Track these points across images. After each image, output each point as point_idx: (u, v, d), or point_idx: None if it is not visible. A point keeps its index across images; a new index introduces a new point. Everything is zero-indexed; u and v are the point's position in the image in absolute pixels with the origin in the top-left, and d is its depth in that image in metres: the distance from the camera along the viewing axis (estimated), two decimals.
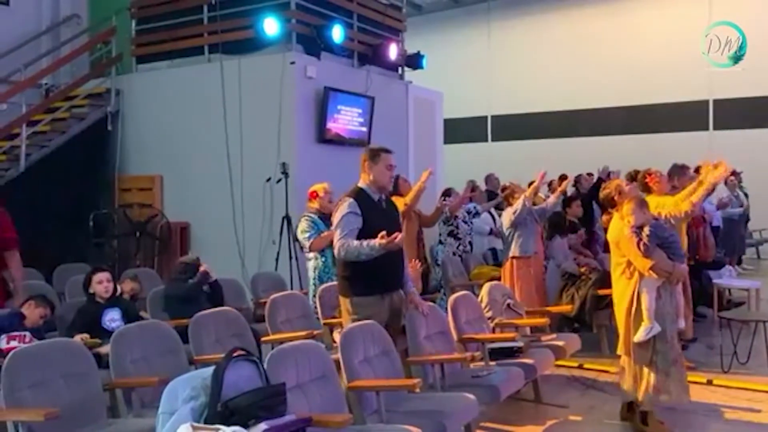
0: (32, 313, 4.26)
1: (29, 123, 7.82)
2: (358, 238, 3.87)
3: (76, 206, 7.85)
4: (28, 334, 4.13)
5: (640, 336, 4.11)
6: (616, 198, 4.41)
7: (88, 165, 8.22)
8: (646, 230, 4.07)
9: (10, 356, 3.23)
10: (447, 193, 7.62)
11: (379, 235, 3.74)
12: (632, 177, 6.22)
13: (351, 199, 3.96)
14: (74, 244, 7.61)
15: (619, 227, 4.20)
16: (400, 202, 6.20)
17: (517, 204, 6.07)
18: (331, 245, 5.54)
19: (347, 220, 3.90)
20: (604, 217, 4.64)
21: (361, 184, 4.07)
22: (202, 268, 5.40)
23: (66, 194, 7.74)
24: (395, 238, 3.74)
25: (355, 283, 3.98)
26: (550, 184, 10.95)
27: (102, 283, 4.67)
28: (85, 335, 4.29)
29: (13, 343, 3.96)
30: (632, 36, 13.32)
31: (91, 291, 4.68)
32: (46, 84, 8.80)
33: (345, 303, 4.05)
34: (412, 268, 4.35)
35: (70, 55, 8.62)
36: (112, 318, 4.60)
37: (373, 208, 4.00)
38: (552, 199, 6.58)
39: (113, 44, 8.61)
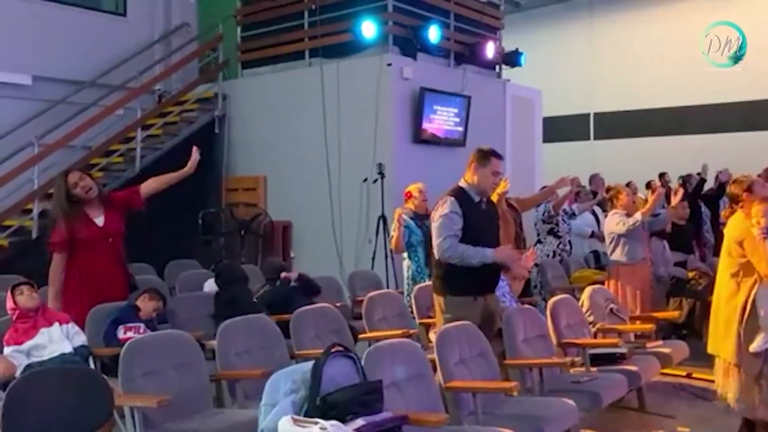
0: (146, 305, 4.49)
1: (143, 127, 8.28)
2: (460, 239, 3.84)
3: (186, 205, 8.23)
4: (142, 325, 4.33)
5: (757, 346, 3.84)
6: (744, 196, 4.17)
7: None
8: None
9: (126, 346, 3.44)
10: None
11: (498, 248, 3.83)
12: None
13: (452, 198, 3.91)
14: (184, 241, 8.01)
15: (744, 226, 3.95)
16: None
17: (632, 220, 5.81)
18: (422, 246, 5.58)
19: (449, 219, 3.85)
20: (725, 212, 4.39)
21: (462, 183, 4.00)
22: (283, 275, 5.59)
23: (177, 194, 8.08)
24: (520, 260, 3.87)
25: (451, 282, 3.96)
26: (648, 185, 10.49)
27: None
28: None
29: (129, 334, 4.17)
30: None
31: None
32: (159, 90, 9.27)
33: (439, 301, 4.03)
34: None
35: (181, 62, 9.06)
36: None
37: (474, 209, 3.95)
38: (665, 213, 6.44)
39: (220, 51, 8.99)
